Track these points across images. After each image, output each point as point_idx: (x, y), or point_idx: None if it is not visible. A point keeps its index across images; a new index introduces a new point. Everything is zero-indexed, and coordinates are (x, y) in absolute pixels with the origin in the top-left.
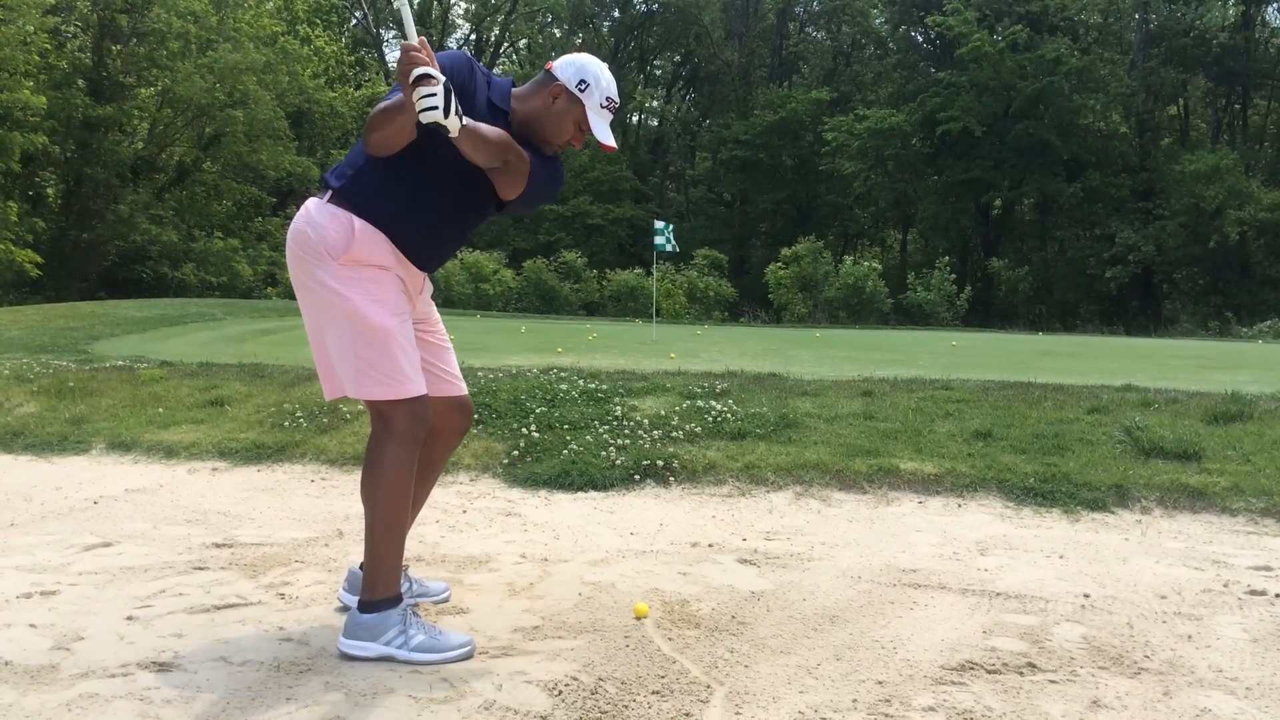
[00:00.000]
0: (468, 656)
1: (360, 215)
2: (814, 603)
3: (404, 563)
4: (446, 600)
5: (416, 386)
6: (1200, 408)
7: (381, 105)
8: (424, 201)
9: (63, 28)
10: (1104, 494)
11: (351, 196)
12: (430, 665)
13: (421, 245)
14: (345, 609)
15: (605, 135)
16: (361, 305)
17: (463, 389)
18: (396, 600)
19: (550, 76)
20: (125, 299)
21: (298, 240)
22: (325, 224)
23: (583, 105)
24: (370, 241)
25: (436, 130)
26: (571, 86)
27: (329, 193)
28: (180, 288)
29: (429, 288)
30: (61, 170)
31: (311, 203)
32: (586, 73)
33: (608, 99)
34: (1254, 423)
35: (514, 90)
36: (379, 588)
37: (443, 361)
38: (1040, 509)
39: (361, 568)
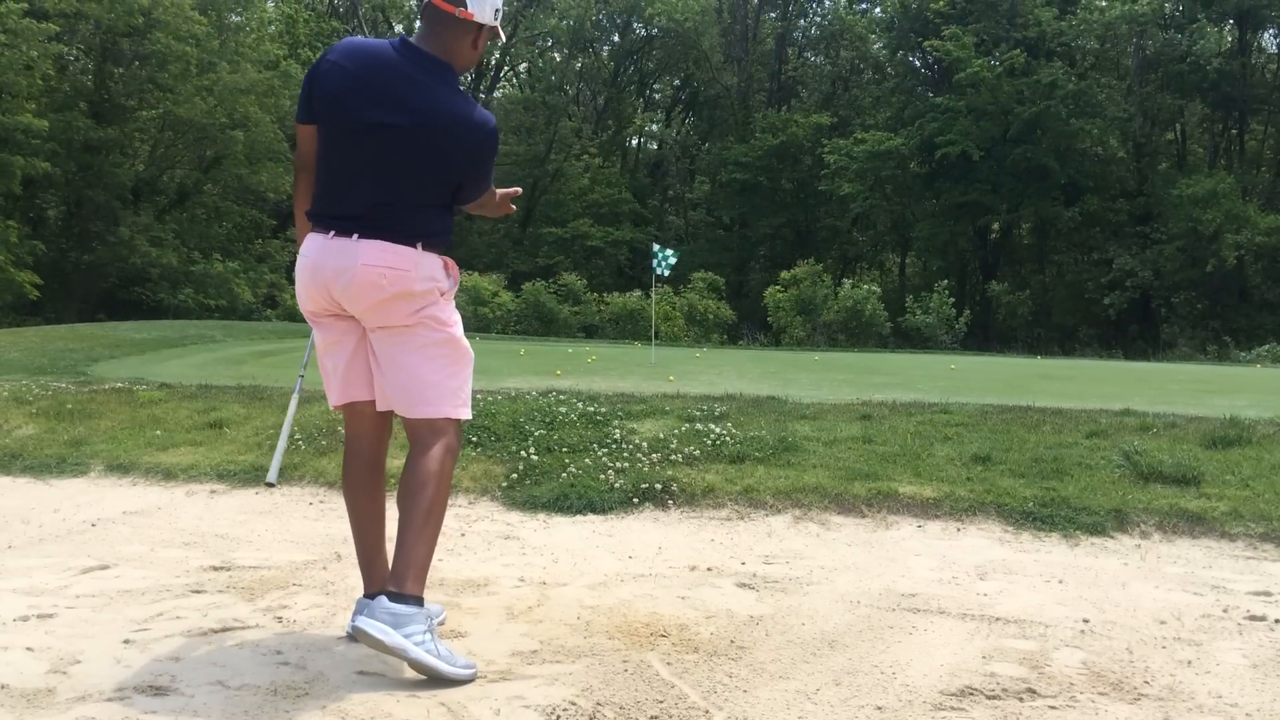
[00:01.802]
0: (469, 680)
1: (446, 253)
2: (813, 627)
3: None
4: (442, 623)
5: (470, 411)
6: (1199, 432)
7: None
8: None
9: (65, 52)
10: (1103, 518)
11: (440, 241)
12: (448, 675)
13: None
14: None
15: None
16: (459, 333)
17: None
18: (422, 602)
19: (472, 24)
20: (125, 321)
21: (395, 286)
22: (436, 269)
23: (495, 26)
24: (450, 265)
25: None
26: (495, 20)
27: (418, 241)
28: (180, 310)
29: None
30: (62, 192)
31: (406, 249)
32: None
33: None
34: (1253, 447)
35: (425, 48)
36: (413, 583)
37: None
38: (1039, 533)
39: (369, 596)
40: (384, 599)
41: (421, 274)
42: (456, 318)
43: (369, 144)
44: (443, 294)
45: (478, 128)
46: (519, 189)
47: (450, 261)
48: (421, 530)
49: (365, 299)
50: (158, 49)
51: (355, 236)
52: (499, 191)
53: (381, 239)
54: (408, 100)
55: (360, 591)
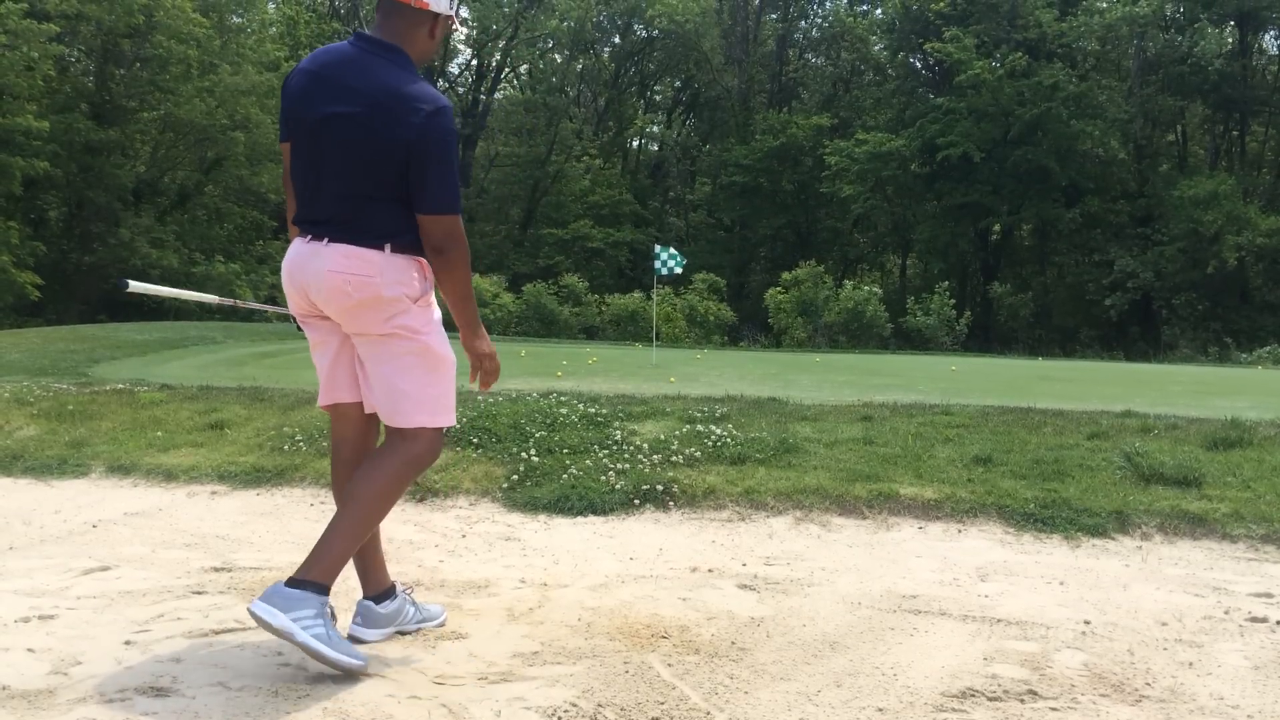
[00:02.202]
0: (356, 670)
1: (418, 254)
2: (814, 629)
3: (409, 589)
4: (442, 625)
5: (454, 416)
6: (1200, 434)
7: (470, 284)
8: None
9: (66, 53)
10: (1104, 520)
11: (412, 241)
12: (321, 658)
13: None
14: (359, 641)
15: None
16: (439, 343)
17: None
18: (325, 590)
19: (427, 13)
20: (126, 322)
21: (360, 292)
22: (406, 274)
23: (451, 15)
24: (428, 270)
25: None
26: (451, 9)
27: (386, 243)
28: (180, 311)
29: None
30: (63, 193)
31: (371, 254)
32: None
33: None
34: (1254, 449)
35: (379, 36)
36: (317, 570)
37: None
38: (1040, 535)
39: (377, 600)
40: (279, 584)
41: (388, 279)
42: (433, 323)
43: (325, 137)
44: (415, 300)
45: (422, 106)
46: (495, 370)
47: (425, 264)
48: (349, 529)
49: (334, 305)
50: (159, 50)
51: (325, 240)
52: (482, 349)
53: (349, 242)
54: (359, 87)
55: (360, 593)
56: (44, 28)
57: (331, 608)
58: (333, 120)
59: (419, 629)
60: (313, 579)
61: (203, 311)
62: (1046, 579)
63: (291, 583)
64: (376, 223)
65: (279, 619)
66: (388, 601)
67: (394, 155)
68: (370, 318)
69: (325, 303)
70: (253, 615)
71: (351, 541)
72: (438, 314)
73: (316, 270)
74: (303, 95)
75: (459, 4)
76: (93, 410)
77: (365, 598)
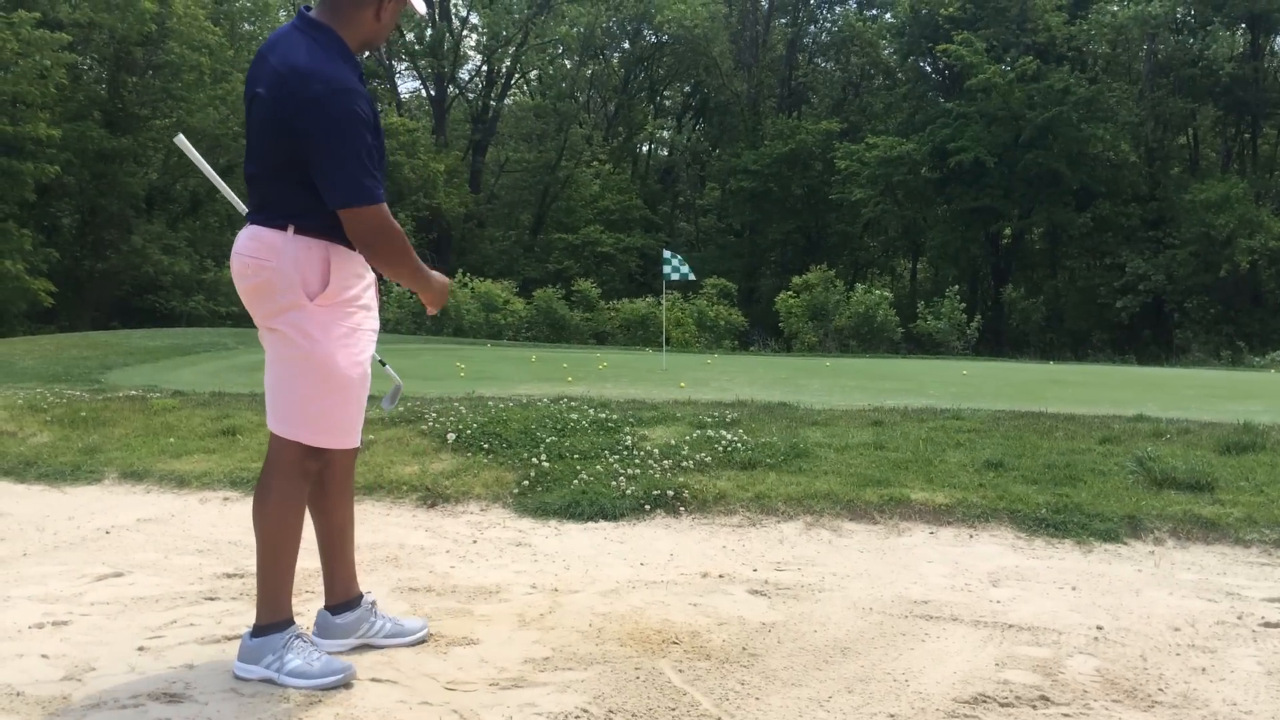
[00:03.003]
0: (340, 685)
1: (332, 240)
2: (825, 634)
3: (372, 600)
4: (425, 640)
5: (355, 437)
6: (1212, 438)
7: (416, 262)
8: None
9: (79, 61)
10: (1116, 525)
11: (318, 225)
12: (304, 689)
13: None
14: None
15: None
16: (334, 351)
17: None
18: (281, 625)
19: None
20: (138, 328)
21: (257, 276)
22: (307, 261)
23: None
24: (344, 266)
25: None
26: None
27: (290, 223)
28: (192, 318)
29: None
30: (76, 201)
31: (269, 233)
32: None
33: None
34: (1267, 453)
35: (318, 16)
36: (263, 613)
37: None
38: (1052, 540)
39: (327, 609)
40: (247, 636)
41: (284, 265)
42: (336, 333)
43: (249, 118)
44: (312, 297)
45: (313, 85)
46: (447, 282)
47: (346, 257)
48: (262, 562)
49: (238, 290)
50: (171, 58)
51: (248, 223)
52: (435, 278)
53: (258, 224)
54: (274, 66)
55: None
56: (56, 36)
57: (371, 600)
58: (253, 101)
59: (391, 644)
60: (261, 624)
61: (214, 318)
62: (1058, 584)
63: (253, 632)
64: (281, 203)
65: (255, 671)
66: (347, 613)
67: (281, 134)
68: (261, 305)
69: (237, 289)
70: (236, 677)
71: (271, 573)
72: (361, 324)
73: (233, 252)
74: (248, 78)
75: None
76: (106, 417)
77: (324, 607)
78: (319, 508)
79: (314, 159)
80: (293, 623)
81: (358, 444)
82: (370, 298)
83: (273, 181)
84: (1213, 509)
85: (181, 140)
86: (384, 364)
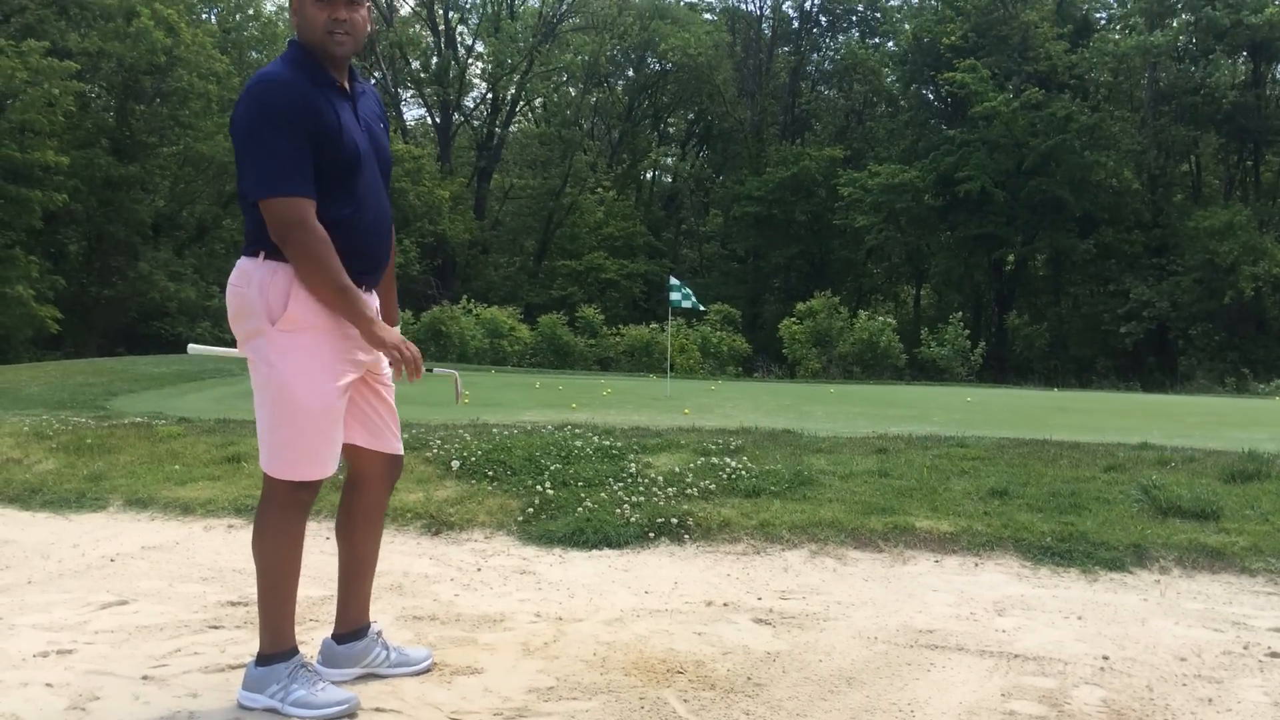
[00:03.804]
0: (344, 715)
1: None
2: (830, 664)
3: (378, 629)
4: (429, 669)
5: (320, 470)
6: (1217, 466)
7: (338, 278)
8: (351, 222)
9: (87, 89)
10: (1122, 553)
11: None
12: (307, 719)
13: (361, 260)
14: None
15: None
16: (291, 379)
17: (397, 446)
18: (286, 655)
19: None
20: (144, 355)
21: (234, 303)
22: (272, 285)
23: None
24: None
25: (355, 165)
26: None
27: (260, 250)
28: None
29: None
30: (83, 228)
31: (245, 261)
32: None
33: None
34: (1272, 481)
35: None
36: (265, 643)
37: (383, 411)
38: (1058, 568)
39: (333, 638)
40: (251, 664)
41: (251, 290)
42: (294, 357)
43: None
44: (273, 321)
45: (242, 93)
46: (413, 357)
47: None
48: (261, 592)
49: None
50: (180, 86)
51: None
52: (371, 318)
53: (243, 253)
54: None
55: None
56: (65, 65)
57: (377, 630)
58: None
59: (395, 673)
60: (265, 653)
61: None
62: (1064, 613)
63: (257, 661)
64: (256, 230)
65: (259, 700)
66: (353, 642)
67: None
68: (237, 331)
69: None
70: (240, 706)
71: (273, 604)
72: (336, 352)
73: None
74: None
75: None
76: (111, 444)
77: (331, 635)
78: (345, 536)
79: (237, 158)
80: (297, 652)
81: (323, 475)
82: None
83: (250, 209)
84: (1218, 538)
85: (195, 348)
86: (430, 370)
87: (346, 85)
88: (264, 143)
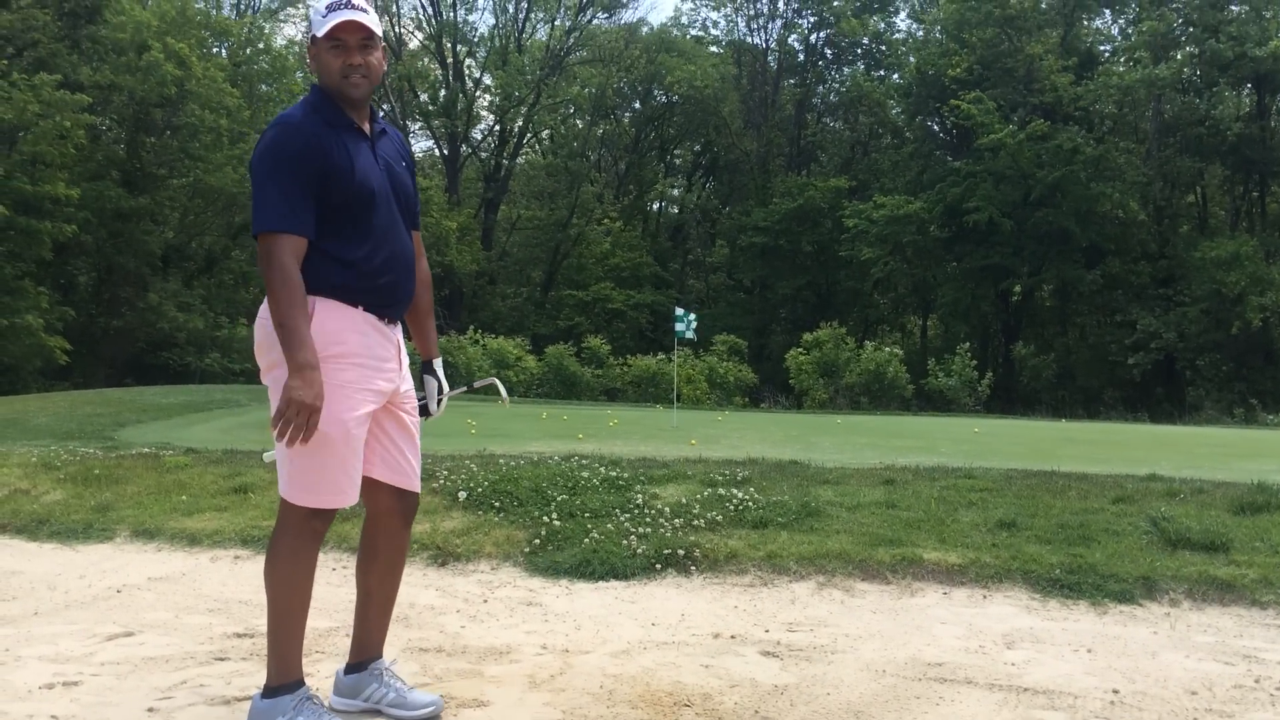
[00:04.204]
0: None
1: (318, 294)
2: (838, 697)
3: (384, 665)
4: (429, 718)
5: (337, 498)
6: (1226, 498)
7: (286, 317)
8: (366, 258)
9: (99, 122)
10: (1131, 586)
11: (308, 277)
12: None
13: (377, 295)
14: (340, 713)
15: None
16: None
17: (414, 483)
18: (292, 686)
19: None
20: (152, 385)
21: (259, 335)
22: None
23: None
24: (331, 320)
25: (369, 204)
26: (321, 30)
27: None
28: (205, 374)
29: (405, 359)
30: (93, 259)
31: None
32: (311, 16)
33: (325, 10)
34: None
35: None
36: (273, 674)
37: (405, 447)
38: (1067, 601)
39: (345, 671)
40: (257, 697)
41: (266, 327)
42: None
43: None
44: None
45: (260, 136)
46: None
47: (324, 304)
48: (270, 620)
49: None
50: (190, 119)
51: None
52: (306, 361)
53: None
54: None
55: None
56: (77, 98)
57: (386, 669)
58: None
59: (394, 713)
60: (271, 685)
61: (227, 375)
62: (1074, 646)
63: (264, 693)
64: None
65: None
66: (356, 674)
67: None
68: (261, 361)
69: None
70: None
71: (282, 633)
72: (351, 380)
73: None
74: None
75: (336, 21)
76: (118, 474)
77: (345, 670)
78: (365, 570)
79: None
80: (303, 684)
81: (340, 505)
82: (380, 355)
83: None
84: (1228, 570)
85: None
86: (469, 388)
87: (366, 126)
88: (264, 182)
